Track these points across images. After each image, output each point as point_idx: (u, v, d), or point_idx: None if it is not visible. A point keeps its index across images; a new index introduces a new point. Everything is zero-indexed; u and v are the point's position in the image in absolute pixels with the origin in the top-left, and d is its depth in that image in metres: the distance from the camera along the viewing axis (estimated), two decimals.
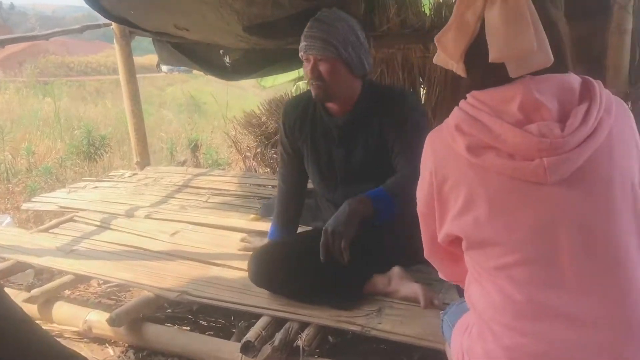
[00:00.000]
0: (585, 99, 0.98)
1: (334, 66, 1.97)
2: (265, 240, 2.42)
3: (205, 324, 2.48)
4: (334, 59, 1.96)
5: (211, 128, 6.74)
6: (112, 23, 3.69)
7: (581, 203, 0.96)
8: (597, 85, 1.01)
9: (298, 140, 2.23)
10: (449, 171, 1.06)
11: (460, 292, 1.82)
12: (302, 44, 1.99)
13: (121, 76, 3.83)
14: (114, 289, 2.81)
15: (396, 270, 2.06)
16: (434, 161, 1.09)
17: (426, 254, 1.29)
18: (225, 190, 3.46)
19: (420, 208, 1.19)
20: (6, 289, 1.84)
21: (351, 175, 2.16)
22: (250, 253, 2.41)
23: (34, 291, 2.26)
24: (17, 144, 5.79)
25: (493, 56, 0.99)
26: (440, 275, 1.35)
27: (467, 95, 1.06)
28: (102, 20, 3.64)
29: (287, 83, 5.28)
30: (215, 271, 2.39)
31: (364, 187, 1.99)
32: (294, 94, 4.75)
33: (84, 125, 6.11)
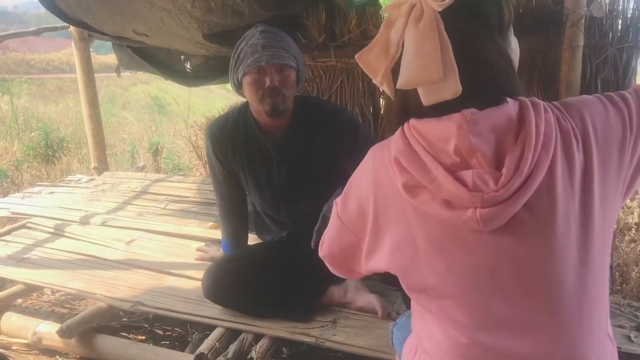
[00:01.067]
0: (520, 136, 0.93)
1: (292, 77, 1.96)
2: (221, 251, 2.41)
3: (161, 333, 2.46)
4: (293, 69, 1.95)
5: (173, 131, 6.66)
6: (70, 26, 3.62)
7: (518, 248, 0.94)
8: (534, 113, 0.95)
9: (232, 163, 2.15)
10: (389, 201, 1.03)
11: (408, 303, 1.85)
12: (261, 54, 1.88)
13: (79, 80, 3.76)
14: (68, 297, 2.77)
15: (351, 281, 2.08)
16: (374, 183, 1.05)
17: (321, 255, 1.23)
18: (184, 197, 3.43)
19: (344, 223, 1.13)
20: None
21: (294, 194, 2.15)
22: (206, 262, 2.42)
23: None
24: None
25: (399, 83, 0.94)
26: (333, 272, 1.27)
27: (408, 123, 1.01)
28: (61, 22, 3.57)
29: None
30: (170, 281, 2.38)
31: (308, 205, 2.01)
32: None
33: (42, 126, 5.96)
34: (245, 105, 2.11)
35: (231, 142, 2.12)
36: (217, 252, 2.49)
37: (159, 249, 2.69)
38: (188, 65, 3.62)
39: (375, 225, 1.06)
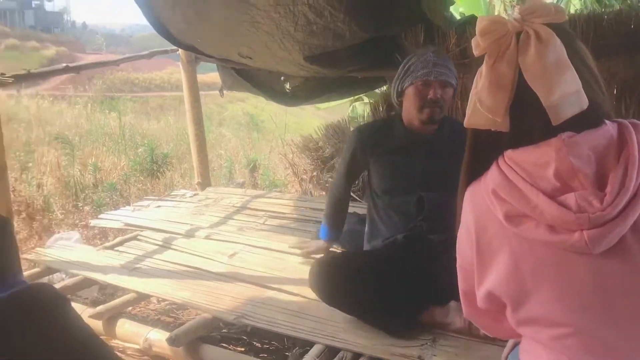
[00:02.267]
0: (622, 155, 0.92)
1: (450, 93, 2.25)
2: (320, 242, 2.57)
3: (259, 345, 2.53)
4: (452, 87, 2.24)
5: (269, 149, 6.86)
6: (180, 50, 3.84)
7: (625, 272, 0.92)
8: (635, 133, 0.94)
9: (370, 157, 2.38)
10: (491, 233, 1.03)
11: None
12: (431, 69, 2.16)
13: (186, 100, 3.98)
14: (172, 306, 2.91)
15: (453, 304, 2.06)
16: (474, 219, 1.06)
17: (466, 313, 1.23)
18: (281, 213, 3.52)
19: (460, 262, 1.15)
20: (73, 304, 1.94)
21: (432, 183, 2.28)
22: (307, 259, 2.66)
23: (100, 308, 2.36)
24: (85, 159, 6.06)
25: (546, 102, 0.94)
26: (485, 332, 1.29)
27: (503, 156, 1.01)
28: (170, 45, 3.80)
29: (343, 104, 5.39)
30: (270, 294, 2.44)
31: (442, 196, 2.13)
32: (350, 116, 4.84)
33: (147, 142, 6.33)
34: (393, 116, 2.47)
35: (376, 137, 2.39)
36: (317, 244, 2.64)
37: (259, 263, 2.77)
38: (287, 86, 3.74)
39: (480, 254, 1.06)
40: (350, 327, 2.10)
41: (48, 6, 49.38)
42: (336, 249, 2.76)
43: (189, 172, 6.04)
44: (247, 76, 3.76)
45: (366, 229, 2.47)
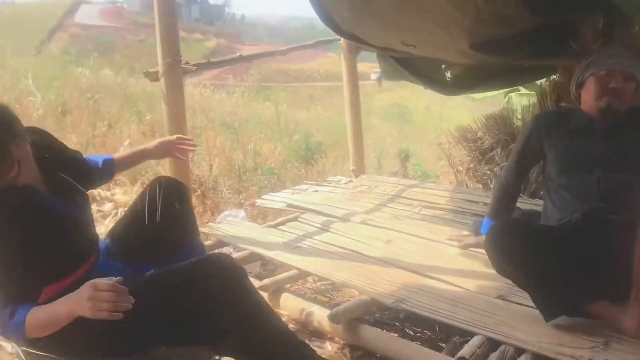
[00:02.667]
0: None
1: (632, 87, 2.23)
2: (482, 237, 2.45)
3: (411, 333, 2.54)
4: (635, 81, 2.23)
5: (420, 139, 6.81)
6: (341, 38, 3.94)
7: None
8: None
9: (546, 140, 2.36)
10: None
11: None
12: (615, 61, 2.21)
13: (345, 89, 4.08)
14: (327, 287, 3.01)
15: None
16: None
17: None
18: (436, 203, 3.50)
19: None
20: None
21: (610, 165, 2.19)
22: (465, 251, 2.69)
23: (266, 280, 2.53)
24: (245, 145, 6.44)
25: None
26: None
27: None
28: (332, 35, 3.91)
29: (497, 95, 5.20)
30: (428, 282, 2.45)
31: (620, 176, 2.10)
32: (505, 107, 4.66)
33: (302, 130, 6.58)
34: (571, 107, 2.51)
35: (553, 121, 2.41)
36: (480, 237, 2.55)
37: (415, 250, 2.78)
38: (448, 74, 3.69)
39: None
40: (513, 321, 2.05)
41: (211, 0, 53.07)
42: None
43: (340, 160, 6.19)
44: (406, 65, 3.76)
45: (541, 218, 2.39)
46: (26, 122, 1.82)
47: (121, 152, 2.11)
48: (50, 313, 1.63)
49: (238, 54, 3.28)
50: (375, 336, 2.19)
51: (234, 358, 1.93)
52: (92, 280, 1.57)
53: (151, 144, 2.30)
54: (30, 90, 6.24)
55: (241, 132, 7.44)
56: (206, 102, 11.76)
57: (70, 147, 2.10)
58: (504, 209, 2.52)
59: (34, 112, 5.51)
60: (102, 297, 1.54)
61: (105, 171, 2.17)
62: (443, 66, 3.68)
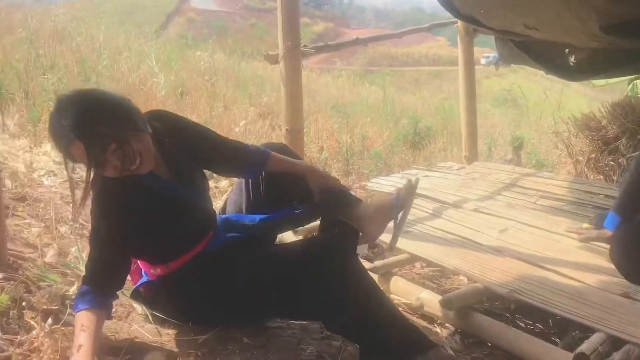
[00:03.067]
0: None
1: None
2: (605, 231, 2.39)
3: (522, 325, 2.48)
4: None
5: (534, 127, 6.53)
6: (458, 21, 3.84)
7: None
8: None
9: None
10: None
11: None
12: None
13: (460, 73, 4.00)
14: (436, 273, 2.99)
15: None
16: None
17: None
18: (554, 193, 3.36)
19: None
20: None
21: None
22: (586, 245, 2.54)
23: (377, 262, 2.55)
24: (351, 128, 6.48)
25: None
26: None
27: None
28: (442, 18, 3.83)
29: (621, 82, 4.88)
30: (544, 274, 2.37)
31: None
32: (629, 94, 4.37)
33: (410, 115, 6.51)
34: None
35: None
36: (602, 230, 2.46)
37: (531, 241, 2.70)
38: (572, 59, 3.50)
39: None
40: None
41: None
42: None
43: (449, 146, 6.08)
44: (526, 48, 3.60)
45: None
46: (152, 102, 1.95)
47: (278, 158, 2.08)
48: (74, 340, 1.67)
49: (355, 37, 3.29)
50: (488, 325, 2.16)
51: (343, 336, 1.99)
52: None
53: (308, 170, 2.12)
54: (153, 72, 6.62)
55: (348, 116, 7.50)
56: (312, 85, 11.93)
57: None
58: (635, 207, 2.35)
59: (157, 92, 5.84)
60: None
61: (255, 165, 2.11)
62: (567, 50, 3.49)
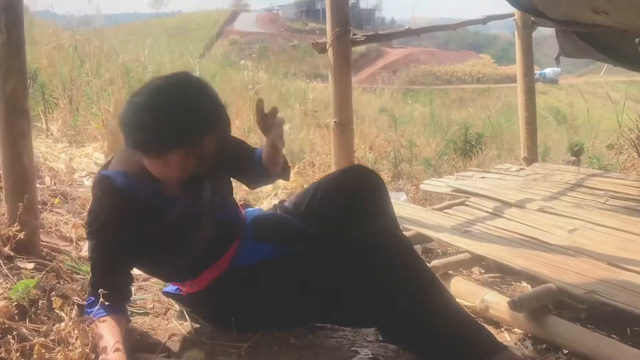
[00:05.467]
0: None
1: None
2: None
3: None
4: None
5: (593, 134, 6.22)
6: (515, 14, 3.64)
7: None
8: None
9: None
10: None
11: None
12: None
13: (518, 68, 3.78)
14: (496, 279, 2.75)
15: None
16: None
17: None
18: (625, 194, 3.10)
19: None
20: None
21: None
22: None
23: (435, 262, 2.33)
24: (399, 136, 6.28)
25: None
26: None
27: None
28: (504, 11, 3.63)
29: None
30: (624, 276, 2.12)
31: None
32: None
33: (461, 123, 6.29)
34: None
35: None
36: None
37: (606, 242, 2.45)
38: None
39: None
40: None
41: (362, 4, 53.98)
42: None
43: (504, 153, 5.83)
44: (591, 40, 3.36)
45: None
46: None
47: None
48: (99, 343, 1.53)
49: (406, 27, 3.13)
50: (564, 328, 1.92)
51: (400, 340, 1.77)
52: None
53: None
54: None
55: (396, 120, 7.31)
56: (355, 102, 11.80)
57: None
58: None
59: None
60: None
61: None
62: (637, 40, 3.24)
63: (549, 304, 2.12)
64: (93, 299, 1.58)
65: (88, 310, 1.58)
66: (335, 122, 2.82)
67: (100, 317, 1.54)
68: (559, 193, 3.16)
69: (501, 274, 2.60)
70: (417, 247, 2.84)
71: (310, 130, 5.18)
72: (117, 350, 1.47)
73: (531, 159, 3.89)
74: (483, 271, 2.80)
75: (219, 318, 1.84)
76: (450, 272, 2.46)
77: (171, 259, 1.71)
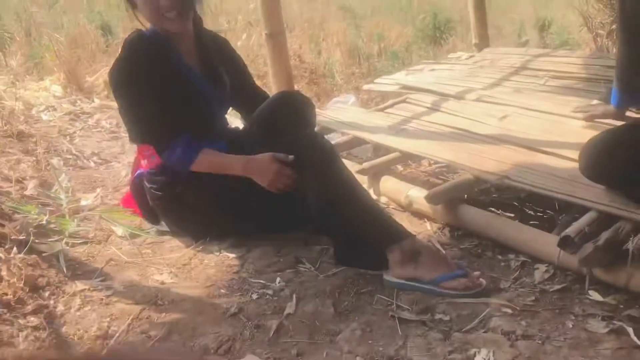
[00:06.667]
0: None
1: None
2: (609, 107, 2.19)
3: (531, 213, 2.36)
4: None
5: (566, 5, 6.04)
6: None
7: None
8: None
9: None
10: None
11: None
12: None
13: None
14: (443, 169, 2.86)
15: None
16: None
17: None
18: (567, 72, 3.11)
19: None
20: (345, 161, 2.05)
21: None
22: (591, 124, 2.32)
23: (365, 164, 2.44)
24: (372, 30, 6.16)
25: None
26: None
27: None
28: None
29: None
30: (542, 159, 2.22)
31: None
32: None
33: (430, 8, 6.12)
34: None
35: None
36: (607, 106, 2.24)
37: (533, 126, 2.52)
38: None
39: None
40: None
41: None
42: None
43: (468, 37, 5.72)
44: None
45: None
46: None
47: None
48: (225, 162, 1.91)
49: None
50: (475, 215, 2.05)
51: (324, 233, 1.96)
52: (273, 154, 1.83)
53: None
54: None
55: (372, 18, 7.13)
56: None
57: None
58: (627, 76, 2.00)
59: None
60: (285, 173, 1.84)
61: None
62: None
63: (464, 195, 2.24)
64: (170, 148, 1.87)
65: (177, 156, 1.87)
66: (266, 34, 2.82)
67: (198, 150, 1.88)
68: (501, 79, 3.18)
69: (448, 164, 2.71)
70: (367, 149, 2.92)
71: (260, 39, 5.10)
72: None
73: (482, 44, 3.86)
74: (433, 162, 2.90)
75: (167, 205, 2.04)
76: (401, 168, 2.58)
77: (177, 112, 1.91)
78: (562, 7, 6.45)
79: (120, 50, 1.96)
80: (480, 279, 1.71)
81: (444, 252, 1.93)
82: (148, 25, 1.94)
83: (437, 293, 1.68)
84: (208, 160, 1.90)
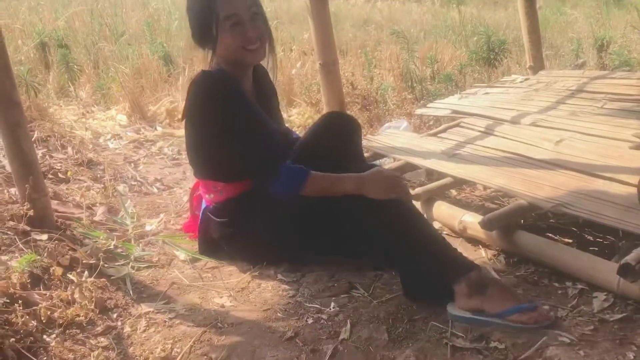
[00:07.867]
0: None
1: None
2: None
3: (590, 239, 2.32)
4: None
5: (626, 24, 5.90)
6: None
7: None
8: None
9: None
10: None
11: None
12: None
13: None
14: (498, 193, 2.84)
15: None
16: None
17: None
18: (626, 95, 3.05)
19: None
20: None
21: None
22: None
23: (418, 189, 2.46)
24: (425, 53, 6.17)
25: None
26: None
27: None
28: None
29: None
30: (599, 185, 2.19)
31: None
32: None
33: (484, 30, 6.08)
34: None
35: None
36: None
37: (589, 150, 2.49)
38: None
39: None
40: None
41: None
42: None
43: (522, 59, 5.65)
44: None
45: None
46: None
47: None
48: (334, 182, 1.91)
49: None
50: (531, 242, 2.03)
51: (387, 266, 2.00)
52: (379, 169, 1.95)
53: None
54: None
55: (425, 41, 7.14)
56: (395, 15, 11.44)
57: None
58: None
59: None
60: (397, 181, 1.92)
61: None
62: None
63: (520, 220, 2.23)
64: (276, 176, 1.91)
65: (286, 183, 1.91)
66: (320, 64, 2.90)
67: (305, 173, 1.90)
68: (557, 102, 3.15)
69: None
70: (421, 173, 2.94)
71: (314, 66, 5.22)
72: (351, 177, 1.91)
73: (537, 67, 3.83)
74: (487, 186, 2.90)
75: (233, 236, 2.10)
76: (455, 192, 2.58)
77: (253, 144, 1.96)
78: (621, 26, 6.31)
79: (191, 91, 1.98)
80: (551, 313, 1.68)
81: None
82: (212, 63, 2.02)
83: (505, 327, 1.64)
84: (317, 182, 1.91)
